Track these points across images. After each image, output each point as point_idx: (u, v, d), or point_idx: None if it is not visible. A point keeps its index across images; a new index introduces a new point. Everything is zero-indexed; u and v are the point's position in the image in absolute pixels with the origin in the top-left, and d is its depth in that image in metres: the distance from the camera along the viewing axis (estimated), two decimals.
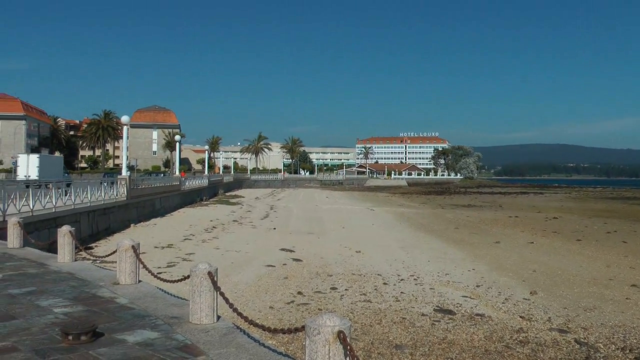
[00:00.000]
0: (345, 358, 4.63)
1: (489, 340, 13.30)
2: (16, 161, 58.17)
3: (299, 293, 18.05)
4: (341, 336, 4.58)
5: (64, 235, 12.32)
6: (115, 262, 10.06)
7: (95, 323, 6.83)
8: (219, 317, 7.30)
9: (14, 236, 14.92)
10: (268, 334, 11.48)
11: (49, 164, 60.36)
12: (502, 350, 12.61)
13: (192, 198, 64.78)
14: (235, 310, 6.49)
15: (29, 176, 51.34)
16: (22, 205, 23.29)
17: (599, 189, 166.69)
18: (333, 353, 4.61)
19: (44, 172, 55.25)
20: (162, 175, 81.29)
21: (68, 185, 31.95)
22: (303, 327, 4.97)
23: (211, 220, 42.51)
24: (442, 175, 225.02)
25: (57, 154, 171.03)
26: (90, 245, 25.76)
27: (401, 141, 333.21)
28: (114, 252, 10.34)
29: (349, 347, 4.55)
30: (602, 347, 13.09)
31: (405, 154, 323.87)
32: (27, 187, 27.56)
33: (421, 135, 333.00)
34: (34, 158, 58.16)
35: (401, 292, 18.61)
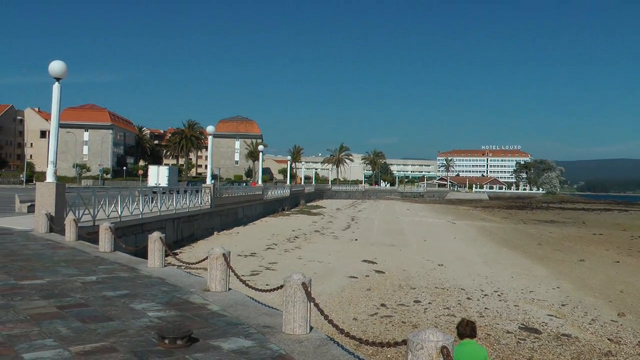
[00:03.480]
0: None
1: None
2: (146, 171, 70.83)
3: (382, 305, 17.91)
4: (444, 352, 4.46)
5: (155, 241, 12.52)
6: (203, 269, 10.14)
7: (191, 328, 6.87)
8: (311, 328, 7.23)
9: (105, 240, 15.29)
10: (362, 346, 11.39)
11: (171, 174, 69.05)
12: None
13: (274, 207, 65.44)
14: (330, 321, 6.41)
15: (159, 184, 58.74)
16: (111, 212, 23.98)
17: None
18: None
19: (169, 181, 64.43)
20: (245, 184, 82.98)
21: (197, 191, 36.91)
22: (404, 341, 4.86)
23: (293, 230, 42.79)
24: (524, 189, 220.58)
25: (141, 162, 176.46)
26: (175, 251, 26.26)
27: (483, 154, 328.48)
28: (204, 259, 10.42)
29: None
30: None
31: (487, 167, 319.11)
32: (154, 192, 30.82)
33: (503, 148, 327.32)
34: (164, 169, 67.98)
35: (485, 308, 18.26)
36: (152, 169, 68.30)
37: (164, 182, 62.10)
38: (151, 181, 63.20)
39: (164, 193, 32.21)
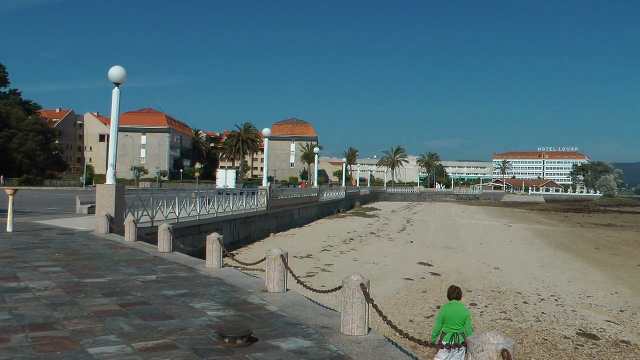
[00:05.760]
0: None
1: None
2: (215, 174, 73.50)
3: (438, 307, 17.74)
4: (505, 355, 4.41)
5: (213, 242, 12.66)
6: (260, 270, 10.20)
7: (250, 328, 6.92)
8: (369, 329, 7.21)
9: (164, 241, 15.53)
10: (419, 347, 11.33)
11: (236, 177, 74.45)
12: None
13: (330, 209, 65.59)
14: (389, 322, 6.39)
15: (227, 186, 61.76)
16: (169, 213, 24.36)
17: None
18: None
19: (236, 184, 69.40)
20: (294, 186, 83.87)
21: (253, 193, 38.15)
22: (464, 343, 4.82)
23: (348, 232, 42.81)
24: (581, 192, 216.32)
25: (197, 165, 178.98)
26: (232, 252, 26.52)
27: (539, 156, 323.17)
28: (262, 260, 10.49)
29: None
30: None
31: (543, 169, 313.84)
32: (222, 193, 33.35)
33: (559, 150, 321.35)
34: (231, 172, 72.32)
35: (542, 312, 17.98)
36: (221, 172, 72.51)
37: (231, 184, 65.39)
38: (219, 183, 66.46)
39: (234, 194, 33.94)
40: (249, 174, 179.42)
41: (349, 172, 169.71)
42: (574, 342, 14.61)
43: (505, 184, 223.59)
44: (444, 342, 8.90)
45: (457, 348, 8.38)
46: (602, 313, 18.45)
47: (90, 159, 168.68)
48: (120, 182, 23.12)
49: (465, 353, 8.62)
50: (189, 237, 24.87)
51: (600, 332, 15.86)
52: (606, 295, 21.64)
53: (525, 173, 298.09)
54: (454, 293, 9.45)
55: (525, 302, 19.45)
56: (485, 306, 18.50)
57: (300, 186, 78.83)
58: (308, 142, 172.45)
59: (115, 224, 20.02)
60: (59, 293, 9.37)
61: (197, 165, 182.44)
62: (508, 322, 16.41)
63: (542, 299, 20.18)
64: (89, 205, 28.58)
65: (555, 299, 20.31)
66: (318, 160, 74.50)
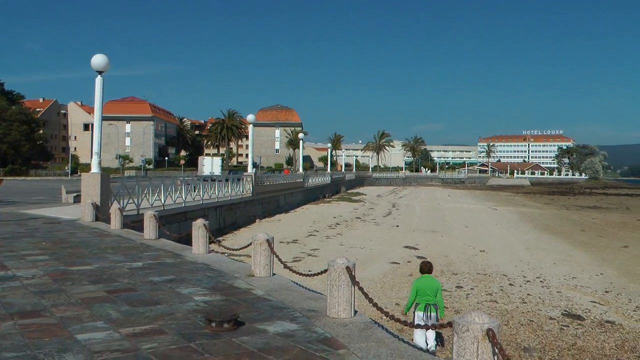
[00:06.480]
0: (494, 356, 4.51)
1: (621, 350, 12.67)
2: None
3: None
4: (490, 334, 4.48)
5: (199, 228, 12.70)
6: (246, 255, 10.24)
7: (237, 312, 6.99)
8: (355, 312, 7.29)
9: (150, 228, 15.54)
10: (405, 329, 11.45)
11: (221, 165, 76.67)
12: None
13: (315, 195, 65.66)
14: (375, 305, 6.46)
15: (214, 172, 63.90)
16: (155, 200, 24.34)
17: None
18: (482, 351, 4.51)
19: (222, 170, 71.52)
20: (278, 172, 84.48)
21: (239, 180, 38.27)
22: (449, 323, 4.89)
23: (334, 217, 42.90)
24: (566, 175, 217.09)
25: (182, 152, 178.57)
26: (218, 238, 26.55)
27: (524, 139, 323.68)
28: (248, 245, 10.54)
29: (498, 346, 4.43)
30: None
31: (528, 153, 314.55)
32: (208, 180, 34.51)
33: (545, 133, 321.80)
34: (217, 160, 75.08)
35: (528, 294, 18.13)
36: (207, 160, 74.17)
37: (217, 171, 67.29)
38: (206, 170, 67.66)
39: (220, 181, 34.27)
40: (234, 161, 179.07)
41: (335, 157, 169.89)
42: (559, 323, 14.75)
43: (491, 167, 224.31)
44: (418, 311, 10.31)
45: (430, 316, 10.19)
46: (587, 294, 18.61)
47: (75, 148, 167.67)
48: (105, 171, 23.08)
49: (437, 320, 10.20)
50: (175, 224, 24.86)
51: (586, 312, 16.01)
52: (591, 277, 21.83)
53: (511, 156, 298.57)
54: (426, 267, 10.90)
55: (511, 284, 19.60)
56: (471, 288, 18.64)
57: (283, 172, 79.21)
58: (293, 128, 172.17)
59: (101, 213, 20.01)
60: (46, 281, 9.41)
61: (183, 153, 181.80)
62: (494, 304, 16.54)
63: (527, 281, 20.34)
64: (75, 194, 28.50)
65: (541, 281, 20.47)
66: (303, 146, 74.65)
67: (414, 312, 10.52)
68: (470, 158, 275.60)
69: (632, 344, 13.14)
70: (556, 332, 13.83)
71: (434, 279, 10.78)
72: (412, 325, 6.12)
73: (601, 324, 14.76)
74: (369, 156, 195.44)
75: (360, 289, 6.86)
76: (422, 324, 9.64)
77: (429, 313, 10.25)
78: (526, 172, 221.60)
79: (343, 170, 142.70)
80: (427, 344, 10.36)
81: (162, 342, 6.11)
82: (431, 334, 10.51)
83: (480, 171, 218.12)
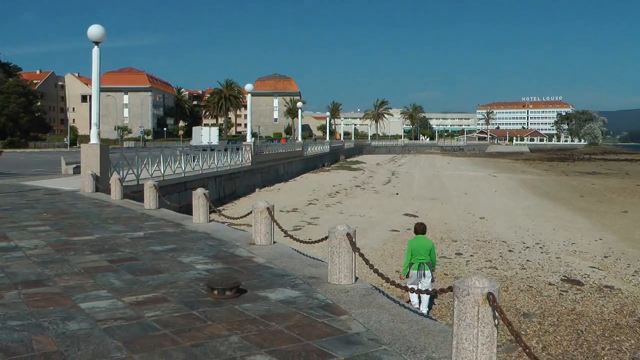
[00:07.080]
0: (494, 320, 4.55)
1: (620, 314, 12.72)
2: (199, 131, 73.82)
3: None
4: (490, 298, 4.50)
5: (199, 198, 12.73)
6: (246, 224, 10.27)
7: (239, 280, 7.04)
8: (356, 278, 7.35)
9: (150, 198, 15.57)
10: (406, 295, 11.52)
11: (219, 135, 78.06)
12: (634, 324, 12.01)
13: (314, 164, 65.71)
14: (376, 271, 6.50)
15: (211, 142, 63.47)
16: (154, 171, 24.36)
17: None
18: (482, 315, 4.52)
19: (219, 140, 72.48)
20: (275, 141, 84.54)
21: (238, 149, 38.96)
22: (450, 287, 4.92)
23: (334, 186, 42.94)
24: (565, 141, 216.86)
25: (181, 123, 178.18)
26: (218, 208, 26.59)
27: (523, 106, 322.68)
28: (248, 214, 10.57)
29: (498, 309, 4.46)
30: None
31: (527, 119, 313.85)
32: (207, 150, 34.56)
33: (544, 99, 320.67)
34: (215, 130, 74.96)
35: (527, 260, 18.18)
36: (205, 130, 73.74)
37: (215, 141, 67.04)
38: (204, 140, 67.67)
39: (219, 151, 34.52)
40: (233, 131, 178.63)
41: (333, 126, 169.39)
42: (558, 288, 14.80)
43: (490, 134, 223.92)
44: (412, 270, 10.94)
45: (423, 276, 10.87)
46: (586, 259, 18.65)
47: (74, 120, 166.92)
48: (104, 142, 23.06)
49: (432, 281, 11.17)
50: (175, 194, 24.88)
51: (585, 278, 16.06)
52: (590, 242, 21.85)
53: (510, 123, 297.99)
54: (420, 228, 11.53)
55: (510, 251, 19.65)
56: (471, 255, 18.70)
57: (281, 141, 79.35)
58: (291, 98, 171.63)
59: (101, 183, 20.02)
60: (49, 251, 9.45)
61: (181, 124, 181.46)
62: (494, 271, 16.60)
63: (527, 247, 20.38)
64: (75, 166, 28.47)
65: (540, 247, 20.51)
66: (302, 115, 74.37)
67: (409, 271, 11.04)
68: (469, 125, 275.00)
69: (631, 308, 13.20)
70: (555, 298, 13.88)
71: (426, 239, 11.34)
72: (413, 291, 6.16)
73: (600, 289, 14.81)
74: (367, 124, 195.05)
75: (361, 255, 6.90)
76: (416, 281, 10.76)
77: (422, 271, 10.89)
78: (525, 138, 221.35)
79: (342, 139, 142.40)
80: (420, 304, 11.34)
81: (165, 310, 6.17)
82: (425, 297, 11.29)
83: (480, 138, 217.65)
